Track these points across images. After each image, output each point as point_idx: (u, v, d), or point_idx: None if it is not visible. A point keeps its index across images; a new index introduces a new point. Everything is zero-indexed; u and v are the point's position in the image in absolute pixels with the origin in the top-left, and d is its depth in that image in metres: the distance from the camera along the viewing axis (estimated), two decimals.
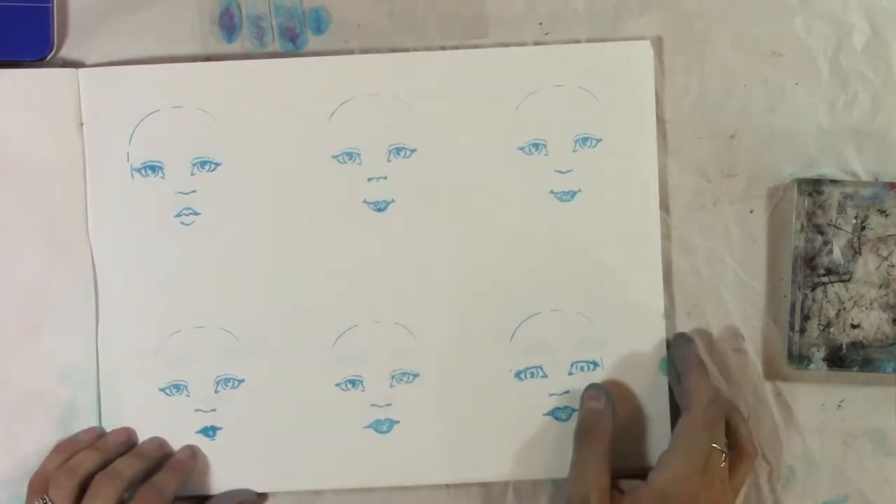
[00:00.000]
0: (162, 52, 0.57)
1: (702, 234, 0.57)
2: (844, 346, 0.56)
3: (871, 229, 0.55)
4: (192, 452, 0.56)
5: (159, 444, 0.56)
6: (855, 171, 0.57)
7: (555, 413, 0.57)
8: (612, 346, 0.57)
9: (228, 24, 0.57)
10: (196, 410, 0.57)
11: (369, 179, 0.57)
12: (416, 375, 0.57)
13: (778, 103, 0.57)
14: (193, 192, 0.56)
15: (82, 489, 0.52)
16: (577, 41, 0.57)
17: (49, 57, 0.56)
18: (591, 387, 0.56)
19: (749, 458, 0.54)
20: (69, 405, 0.56)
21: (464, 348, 0.57)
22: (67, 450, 0.55)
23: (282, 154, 0.56)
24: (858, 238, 0.55)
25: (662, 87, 0.57)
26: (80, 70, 0.56)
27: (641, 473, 0.56)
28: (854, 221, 0.55)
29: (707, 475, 0.51)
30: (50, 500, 0.52)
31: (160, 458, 0.56)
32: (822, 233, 0.56)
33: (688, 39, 0.57)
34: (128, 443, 0.56)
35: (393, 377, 0.57)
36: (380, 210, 0.57)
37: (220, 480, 0.57)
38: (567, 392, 0.57)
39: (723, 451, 0.52)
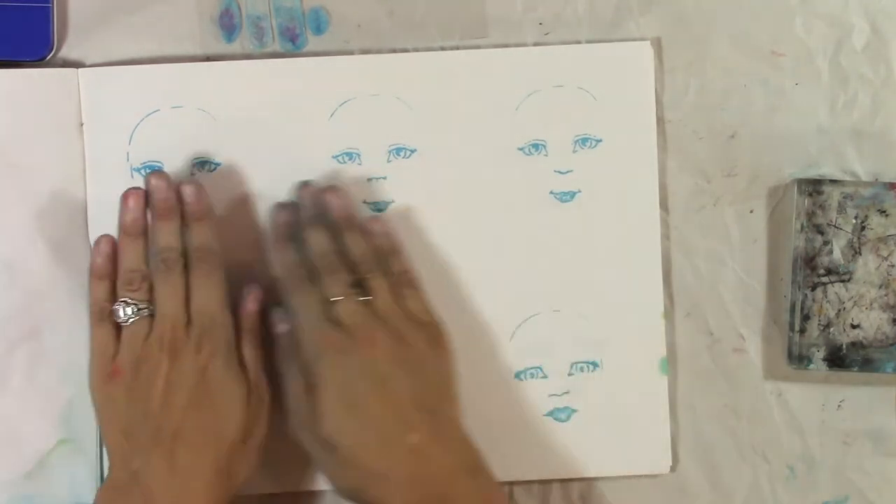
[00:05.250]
0: (162, 52, 0.56)
1: (702, 234, 0.57)
2: (844, 346, 0.56)
3: (871, 229, 0.55)
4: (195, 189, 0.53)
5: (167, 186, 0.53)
6: (855, 171, 0.57)
7: (555, 413, 0.57)
8: (612, 347, 0.57)
9: (228, 24, 0.57)
10: None
11: (369, 180, 0.57)
12: None
13: (778, 103, 0.57)
14: None
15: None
16: (578, 41, 0.57)
17: (49, 57, 0.56)
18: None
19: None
20: (69, 405, 0.55)
21: (464, 348, 0.56)
22: (104, 271, 0.52)
23: (281, 154, 0.56)
24: (858, 238, 0.55)
25: (662, 87, 0.57)
26: (80, 70, 0.56)
27: (641, 476, 0.56)
28: (854, 221, 0.55)
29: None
30: (132, 301, 0.51)
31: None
32: (822, 233, 0.55)
33: (688, 39, 0.57)
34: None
35: None
36: (379, 211, 0.57)
37: None
38: (567, 392, 0.57)
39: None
